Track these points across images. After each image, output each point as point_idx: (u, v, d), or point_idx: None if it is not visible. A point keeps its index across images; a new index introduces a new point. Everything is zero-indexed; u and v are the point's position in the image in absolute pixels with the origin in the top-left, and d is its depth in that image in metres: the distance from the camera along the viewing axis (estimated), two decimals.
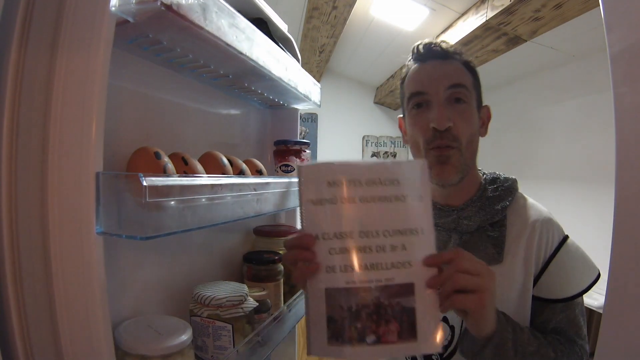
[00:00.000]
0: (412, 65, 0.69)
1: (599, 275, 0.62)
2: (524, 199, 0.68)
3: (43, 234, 0.37)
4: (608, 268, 0.31)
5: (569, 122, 1.81)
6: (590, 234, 1.57)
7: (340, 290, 0.41)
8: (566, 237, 0.63)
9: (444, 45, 0.66)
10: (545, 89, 1.96)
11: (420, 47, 0.67)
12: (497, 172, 0.72)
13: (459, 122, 0.61)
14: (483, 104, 0.69)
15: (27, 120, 0.38)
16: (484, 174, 0.72)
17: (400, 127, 0.76)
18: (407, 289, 0.42)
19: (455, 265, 0.43)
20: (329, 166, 0.42)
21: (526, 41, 1.53)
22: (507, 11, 1.28)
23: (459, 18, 1.58)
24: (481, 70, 2.26)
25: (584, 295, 0.61)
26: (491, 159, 2.39)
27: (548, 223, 0.63)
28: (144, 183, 0.35)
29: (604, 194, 1.58)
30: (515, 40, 1.54)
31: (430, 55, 0.65)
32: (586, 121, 1.71)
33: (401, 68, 0.75)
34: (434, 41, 0.66)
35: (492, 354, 0.51)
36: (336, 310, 0.41)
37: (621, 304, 0.30)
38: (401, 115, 0.75)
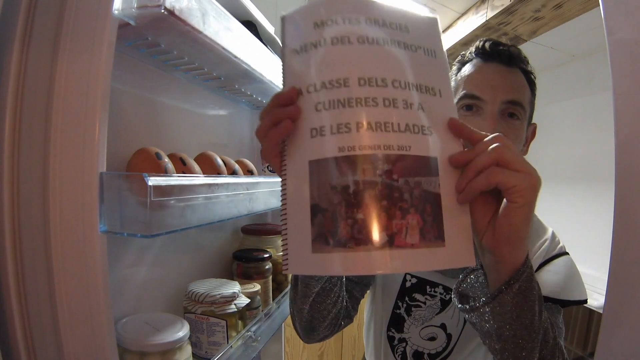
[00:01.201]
0: (472, 58, 0.63)
1: (584, 301, 0.59)
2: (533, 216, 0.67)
3: (45, 232, 0.38)
4: (608, 268, 0.31)
5: (569, 122, 1.81)
6: (590, 234, 1.57)
7: (331, 161, 0.27)
8: (565, 253, 0.61)
9: (512, 50, 0.60)
10: (545, 89, 1.95)
11: (487, 45, 0.61)
12: None
13: (509, 138, 0.58)
14: (532, 121, 0.64)
15: (30, 121, 0.39)
16: None
17: None
18: (428, 166, 0.29)
19: (494, 140, 0.31)
20: (316, 6, 0.31)
21: (526, 41, 1.53)
22: (507, 11, 1.28)
23: (459, 18, 1.58)
24: None
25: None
26: None
27: (552, 239, 0.61)
28: (149, 183, 0.36)
29: (604, 194, 1.58)
30: (515, 40, 1.54)
31: (496, 56, 0.60)
32: (586, 121, 1.71)
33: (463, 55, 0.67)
34: (502, 42, 0.61)
35: (516, 301, 0.34)
36: (325, 195, 0.27)
37: (621, 304, 0.30)
38: None
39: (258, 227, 0.83)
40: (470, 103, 0.59)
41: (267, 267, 0.73)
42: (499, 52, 0.60)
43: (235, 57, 0.50)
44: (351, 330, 2.02)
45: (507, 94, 0.57)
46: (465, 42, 1.58)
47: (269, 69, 0.65)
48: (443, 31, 1.72)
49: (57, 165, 0.38)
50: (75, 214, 0.37)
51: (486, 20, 1.37)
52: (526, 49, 1.59)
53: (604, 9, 0.30)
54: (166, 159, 0.47)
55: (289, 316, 0.81)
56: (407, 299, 0.67)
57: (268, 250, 0.77)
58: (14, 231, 0.38)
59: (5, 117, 0.38)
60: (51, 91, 0.38)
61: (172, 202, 0.40)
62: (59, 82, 0.38)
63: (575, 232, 1.69)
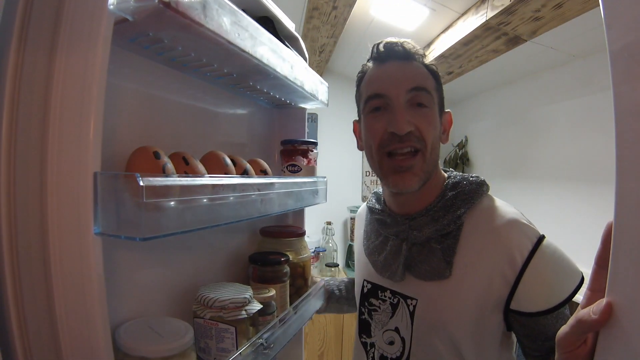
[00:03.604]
0: (370, 65, 0.64)
1: (582, 280, 0.54)
2: (489, 202, 0.60)
3: (42, 234, 0.37)
4: (609, 268, 0.30)
5: (569, 122, 1.81)
6: (590, 233, 1.57)
7: None
8: (541, 239, 0.54)
9: (406, 45, 0.61)
10: (545, 89, 1.96)
11: (381, 46, 0.62)
12: (466, 176, 0.64)
13: (421, 125, 0.57)
14: (445, 110, 0.65)
15: (26, 119, 0.38)
16: (449, 176, 0.65)
17: (354, 132, 0.71)
18: None
19: None
20: None
21: (526, 41, 1.53)
22: (507, 11, 1.28)
23: (459, 18, 1.58)
24: (481, 70, 2.25)
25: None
26: (491, 158, 2.39)
27: (513, 226, 0.55)
28: (141, 183, 0.34)
29: (604, 194, 1.58)
30: (515, 40, 1.54)
31: (391, 55, 0.60)
32: (586, 121, 1.71)
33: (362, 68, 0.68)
34: (396, 40, 0.61)
35: None
36: None
37: (621, 304, 0.29)
38: (357, 119, 0.69)
39: (277, 229, 0.80)
40: (377, 104, 0.60)
41: (284, 270, 0.69)
42: (393, 50, 0.60)
43: (244, 51, 0.48)
44: (351, 331, 2.01)
45: (410, 83, 0.58)
46: (465, 42, 1.58)
47: (286, 65, 0.62)
48: (443, 31, 1.71)
49: (55, 163, 0.37)
50: (71, 214, 0.36)
51: (486, 20, 1.37)
52: (526, 49, 1.60)
53: (604, 9, 0.29)
54: (165, 158, 0.46)
55: (308, 321, 0.80)
56: (366, 303, 0.69)
57: (287, 253, 0.73)
58: (10, 232, 0.37)
59: (3, 115, 0.37)
60: (49, 88, 0.38)
61: (169, 203, 0.38)
62: (57, 79, 0.38)
63: (575, 232, 1.69)
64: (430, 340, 0.58)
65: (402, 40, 0.61)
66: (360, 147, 0.69)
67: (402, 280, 0.62)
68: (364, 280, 0.71)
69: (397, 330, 0.62)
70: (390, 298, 0.64)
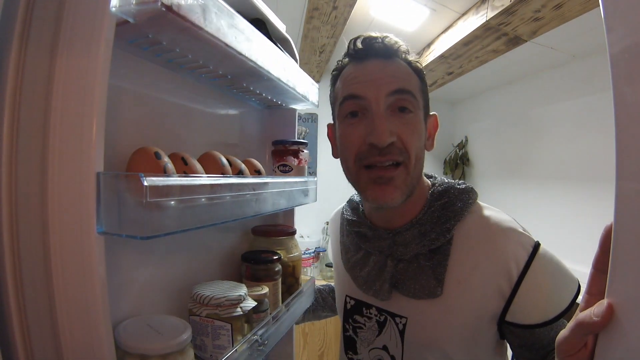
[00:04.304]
0: (346, 64, 0.57)
1: (579, 288, 0.52)
2: (479, 211, 0.56)
3: (43, 234, 0.37)
4: (609, 268, 0.30)
5: (569, 122, 1.81)
6: (590, 233, 1.57)
7: None
8: (536, 248, 0.52)
9: (387, 41, 0.54)
10: (545, 89, 1.96)
11: (358, 42, 0.55)
12: (452, 183, 0.59)
13: (405, 135, 0.51)
14: (430, 113, 0.58)
15: (28, 120, 0.38)
16: (433, 184, 0.60)
17: (329, 136, 0.65)
18: None
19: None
20: None
21: (526, 41, 1.53)
22: (507, 11, 1.28)
23: (459, 18, 1.58)
24: (481, 70, 2.25)
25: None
26: (491, 158, 2.39)
27: (509, 236, 0.52)
28: (145, 183, 0.35)
29: (604, 194, 1.58)
30: (515, 41, 1.54)
31: (371, 53, 0.54)
32: (586, 121, 1.71)
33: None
34: (375, 35, 0.55)
35: None
36: None
37: (621, 304, 0.29)
38: (331, 122, 0.63)
39: (269, 228, 0.81)
40: (354, 107, 0.53)
41: (276, 269, 0.70)
42: (372, 47, 0.54)
43: (240, 53, 0.49)
44: None
45: (392, 84, 0.51)
46: (465, 42, 1.59)
47: (279, 67, 0.63)
48: (443, 31, 1.72)
49: (56, 164, 0.37)
50: (73, 214, 0.36)
51: (486, 21, 1.37)
52: (526, 49, 1.60)
53: (604, 9, 0.29)
54: (166, 159, 0.46)
55: (298, 318, 0.80)
56: (350, 320, 0.66)
57: (278, 252, 0.74)
58: (12, 232, 0.38)
59: (4, 116, 0.38)
60: (50, 89, 0.38)
61: (170, 202, 0.39)
62: (58, 80, 0.38)
63: (575, 232, 1.69)
64: (423, 358, 0.56)
65: (382, 35, 0.55)
66: (335, 155, 0.62)
67: (389, 299, 0.58)
68: (347, 296, 0.67)
69: (385, 348, 0.59)
70: (376, 315, 0.61)
